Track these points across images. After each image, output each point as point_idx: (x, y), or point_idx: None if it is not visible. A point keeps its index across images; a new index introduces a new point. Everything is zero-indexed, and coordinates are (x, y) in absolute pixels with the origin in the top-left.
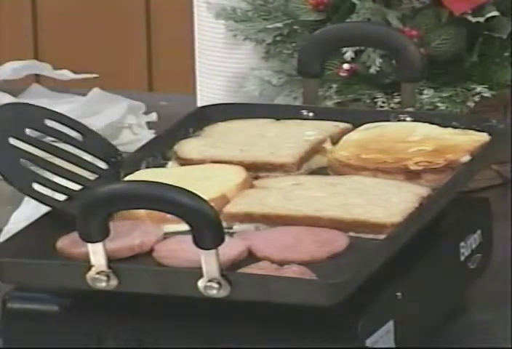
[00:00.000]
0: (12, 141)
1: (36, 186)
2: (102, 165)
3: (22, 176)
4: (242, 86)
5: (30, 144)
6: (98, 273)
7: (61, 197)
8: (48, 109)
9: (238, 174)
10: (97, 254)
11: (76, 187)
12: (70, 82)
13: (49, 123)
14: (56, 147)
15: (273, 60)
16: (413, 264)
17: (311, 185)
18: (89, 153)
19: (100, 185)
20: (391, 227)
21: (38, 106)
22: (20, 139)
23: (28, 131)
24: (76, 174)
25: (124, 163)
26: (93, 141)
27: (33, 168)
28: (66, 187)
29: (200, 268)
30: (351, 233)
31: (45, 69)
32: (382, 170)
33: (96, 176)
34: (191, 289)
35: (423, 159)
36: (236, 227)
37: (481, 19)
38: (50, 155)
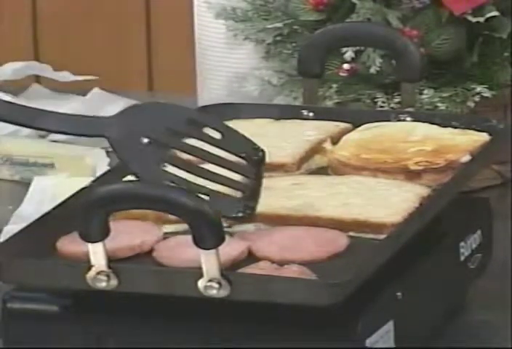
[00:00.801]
0: (148, 141)
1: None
2: (243, 163)
3: (159, 178)
4: (242, 86)
5: (167, 145)
6: (98, 273)
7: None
8: (187, 108)
9: None
10: (97, 254)
11: (216, 187)
12: (70, 83)
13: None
14: (194, 146)
15: (273, 60)
16: (413, 264)
17: (311, 185)
18: (230, 152)
19: (245, 183)
20: (391, 227)
21: (177, 106)
22: (156, 140)
23: (165, 131)
24: (217, 173)
25: (265, 160)
26: (232, 139)
27: (169, 169)
28: (203, 187)
29: (200, 268)
30: (351, 233)
31: (45, 70)
32: (382, 170)
33: (238, 175)
34: (191, 289)
35: (423, 159)
36: (236, 227)
37: (481, 19)
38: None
